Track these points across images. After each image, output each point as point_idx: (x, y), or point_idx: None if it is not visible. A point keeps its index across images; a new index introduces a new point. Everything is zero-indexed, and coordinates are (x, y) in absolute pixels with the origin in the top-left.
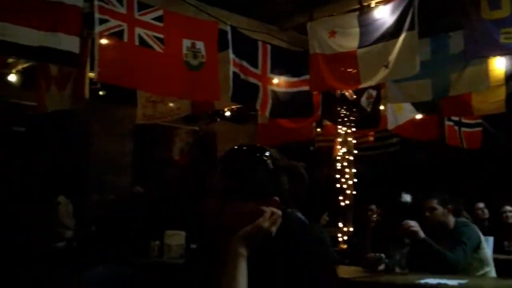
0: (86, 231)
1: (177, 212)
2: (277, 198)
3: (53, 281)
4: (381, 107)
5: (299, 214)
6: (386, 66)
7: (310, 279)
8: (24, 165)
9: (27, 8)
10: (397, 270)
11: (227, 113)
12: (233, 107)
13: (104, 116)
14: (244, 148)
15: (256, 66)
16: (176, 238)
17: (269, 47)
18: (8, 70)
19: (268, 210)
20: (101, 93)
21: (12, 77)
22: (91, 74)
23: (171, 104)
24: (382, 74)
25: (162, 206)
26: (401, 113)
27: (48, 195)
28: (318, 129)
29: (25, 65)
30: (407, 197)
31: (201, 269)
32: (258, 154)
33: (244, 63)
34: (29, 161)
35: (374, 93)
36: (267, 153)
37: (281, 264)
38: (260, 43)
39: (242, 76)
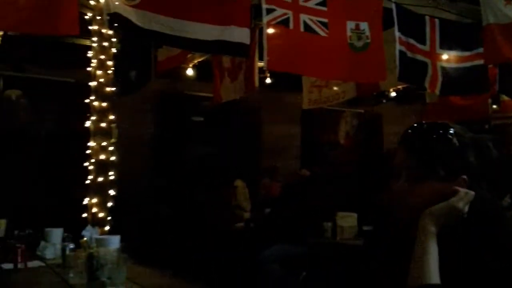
0: (261, 212)
1: (346, 194)
2: (465, 177)
3: (234, 259)
4: None
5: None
6: None
7: (501, 269)
8: (204, 151)
9: (204, 5)
10: None
11: (393, 94)
12: (399, 87)
13: (273, 103)
14: (426, 125)
15: (423, 43)
16: (348, 220)
17: (437, 21)
18: (186, 64)
19: (463, 190)
20: (268, 81)
21: (190, 71)
22: (260, 64)
23: (335, 88)
24: None
25: (331, 188)
26: None
27: (226, 180)
28: (495, 106)
29: (200, 59)
30: None
31: (382, 250)
32: (441, 131)
33: (411, 40)
34: (209, 148)
35: None
36: (451, 130)
37: (469, 248)
38: (427, 18)
39: (409, 54)
